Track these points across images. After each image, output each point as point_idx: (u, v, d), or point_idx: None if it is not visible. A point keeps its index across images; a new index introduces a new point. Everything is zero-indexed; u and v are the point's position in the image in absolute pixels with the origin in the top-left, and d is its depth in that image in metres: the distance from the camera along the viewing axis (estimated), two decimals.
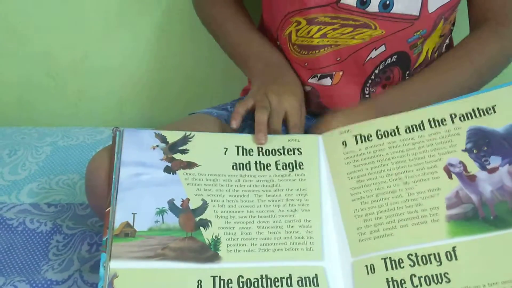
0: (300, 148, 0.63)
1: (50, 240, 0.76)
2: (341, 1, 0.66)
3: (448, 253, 0.52)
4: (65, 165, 0.88)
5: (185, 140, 0.62)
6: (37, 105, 1.00)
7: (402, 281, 0.51)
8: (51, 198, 0.83)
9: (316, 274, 0.54)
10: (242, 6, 0.80)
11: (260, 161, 0.61)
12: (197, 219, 0.57)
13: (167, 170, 0.60)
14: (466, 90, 0.66)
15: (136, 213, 0.56)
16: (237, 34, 0.76)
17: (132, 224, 0.55)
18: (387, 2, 0.66)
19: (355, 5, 0.66)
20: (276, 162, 0.61)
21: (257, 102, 0.65)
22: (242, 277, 0.53)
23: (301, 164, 0.61)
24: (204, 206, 0.57)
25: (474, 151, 0.57)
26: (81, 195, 0.82)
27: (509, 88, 0.59)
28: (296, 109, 0.67)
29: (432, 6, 0.68)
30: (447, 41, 0.77)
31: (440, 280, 0.51)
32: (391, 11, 0.67)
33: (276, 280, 0.53)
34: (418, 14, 0.67)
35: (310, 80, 0.73)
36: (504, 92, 0.59)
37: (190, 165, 0.60)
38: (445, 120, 0.60)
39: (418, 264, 0.52)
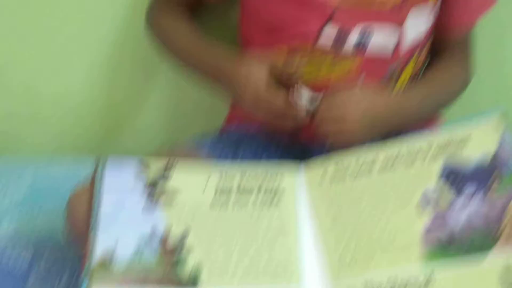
0: (281, 179, 0.64)
1: (29, 273, 0.76)
2: (319, 39, 0.69)
3: (426, 279, 0.53)
4: (46, 197, 0.88)
5: (167, 168, 0.63)
6: (19, 137, 1.00)
7: None
8: (31, 229, 0.82)
9: None
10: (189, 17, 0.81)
11: (242, 188, 0.62)
12: (178, 247, 0.57)
13: (149, 198, 0.60)
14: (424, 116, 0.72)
15: (117, 243, 0.56)
16: (190, 43, 0.77)
17: (112, 254, 0.56)
18: (363, 37, 0.69)
19: (331, 44, 0.69)
20: (257, 190, 0.62)
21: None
22: None
23: (282, 193, 0.63)
24: (184, 235, 0.58)
25: (449, 181, 0.59)
26: (62, 226, 0.82)
27: (483, 120, 0.61)
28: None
29: (406, 43, 0.71)
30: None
31: None
32: (367, 48, 0.69)
33: None
34: (393, 49, 0.70)
35: None
36: (479, 124, 0.61)
37: (172, 193, 0.61)
38: (421, 151, 0.62)
39: None
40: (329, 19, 0.68)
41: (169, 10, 0.78)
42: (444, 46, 0.77)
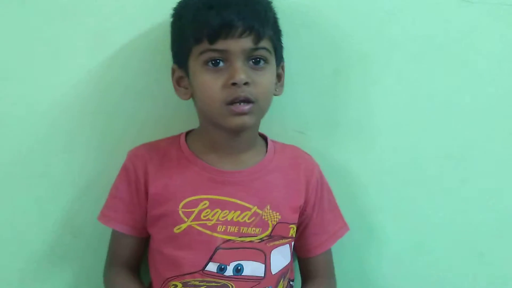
0: None
1: None
2: (205, 268, 0.91)
3: None
4: None
5: None
6: None
7: None
8: None
9: None
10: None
11: None
12: None
13: None
14: None
15: None
16: None
17: None
18: (238, 268, 0.92)
19: (215, 271, 0.91)
20: None
21: None
22: None
23: None
24: None
25: None
26: None
27: None
28: None
29: (274, 269, 0.94)
30: None
31: None
32: (242, 274, 0.92)
33: None
34: (263, 275, 0.93)
35: None
36: None
37: None
38: None
39: None
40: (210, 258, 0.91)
41: (118, 270, 0.98)
42: (311, 274, 1.01)
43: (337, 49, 1.04)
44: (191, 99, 0.95)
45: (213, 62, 0.87)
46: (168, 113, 1.04)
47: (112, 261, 1.00)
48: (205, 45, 0.87)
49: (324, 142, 1.07)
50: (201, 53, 0.87)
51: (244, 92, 0.87)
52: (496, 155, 1.06)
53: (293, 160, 0.99)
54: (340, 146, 1.07)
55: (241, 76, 0.86)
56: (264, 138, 1.01)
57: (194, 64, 0.89)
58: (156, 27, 0.98)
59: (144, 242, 1.00)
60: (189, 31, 0.88)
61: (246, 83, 0.86)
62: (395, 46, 1.03)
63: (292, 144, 1.03)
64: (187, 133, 0.99)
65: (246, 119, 0.89)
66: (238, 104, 0.87)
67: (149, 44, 1.01)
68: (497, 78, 1.04)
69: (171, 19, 0.94)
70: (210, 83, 0.87)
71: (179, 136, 0.99)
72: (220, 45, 0.86)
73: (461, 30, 1.03)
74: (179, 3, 0.94)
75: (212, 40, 0.86)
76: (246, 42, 0.87)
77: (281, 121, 1.06)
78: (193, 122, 0.99)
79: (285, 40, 0.97)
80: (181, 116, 1.03)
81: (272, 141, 1.01)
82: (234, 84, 0.86)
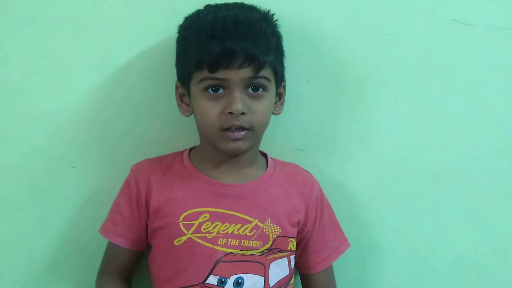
0: None
1: None
2: (206, 281, 0.92)
3: None
4: None
5: None
6: None
7: None
8: None
9: None
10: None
11: None
12: None
13: None
14: None
15: None
16: None
17: None
18: (239, 281, 0.92)
19: (216, 284, 0.92)
20: None
21: None
22: None
23: None
24: None
25: None
26: None
27: None
28: None
29: (272, 282, 0.94)
30: None
31: None
32: (243, 287, 0.92)
33: None
34: (263, 287, 0.93)
35: None
36: None
37: None
38: None
39: None
40: (211, 271, 0.91)
41: (111, 279, 0.99)
42: None
43: (338, 69, 1.06)
44: (192, 116, 0.98)
45: (212, 88, 0.90)
46: (173, 130, 1.06)
47: (105, 270, 1.01)
48: (205, 73, 0.89)
49: (324, 159, 1.08)
50: (201, 80, 0.90)
51: (240, 121, 0.89)
52: (495, 172, 1.07)
53: (293, 177, 1.01)
54: (340, 164, 1.08)
55: (238, 106, 0.88)
56: (264, 155, 1.03)
57: (195, 88, 0.91)
58: (160, 45, 1.01)
59: (140, 255, 1.01)
60: (191, 56, 0.90)
61: (242, 113, 0.89)
62: (394, 67, 1.06)
63: (291, 162, 1.05)
64: (191, 150, 1.01)
65: (241, 144, 0.91)
66: (234, 130, 0.90)
67: (154, 62, 1.03)
68: (492, 97, 1.06)
69: (177, 34, 0.96)
70: (208, 110, 0.90)
71: (182, 152, 1.01)
72: (221, 74, 0.88)
73: (457, 51, 1.05)
74: (185, 21, 0.95)
75: (212, 70, 0.88)
76: (246, 72, 0.89)
77: (283, 139, 1.08)
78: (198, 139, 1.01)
79: (288, 60, 1.00)
80: (185, 133, 1.05)
81: (272, 158, 1.03)
82: (230, 113, 0.88)
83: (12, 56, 1.03)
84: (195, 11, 0.95)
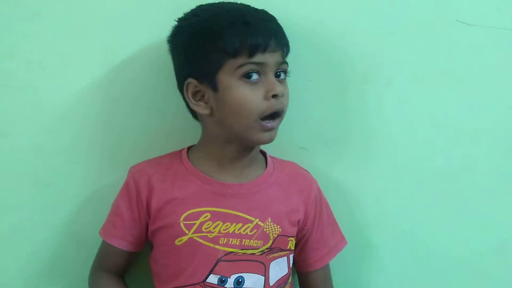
0: None
1: None
2: (206, 280, 0.92)
3: None
4: None
5: None
6: None
7: None
8: None
9: None
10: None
11: None
12: None
13: None
14: None
15: None
16: None
17: None
18: (239, 280, 0.93)
19: (216, 283, 0.92)
20: None
21: None
22: None
23: None
24: None
25: None
26: None
27: None
28: None
29: (272, 281, 0.95)
30: None
31: None
32: (243, 286, 0.93)
33: None
34: (263, 287, 0.94)
35: None
36: None
37: None
38: None
39: None
40: (211, 270, 0.92)
41: (104, 275, 1.00)
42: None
43: (342, 68, 1.06)
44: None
45: (246, 75, 0.90)
46: (175, 128, 1.07)
47: (99, 266, 1.02)
48: (244, 58, 0.88)
49: (326, 158, 1.09)
50: (239, 66, 0.89)
51: (281, 104, 0.91)
52: (496, 174, 1.08)
53: (292, 176, 1.01)
54: (342, 162, 1.09)
55: (281, 88, 0.90)
56: (263, 153, 1.03)
57: (228, 77, 0.89)
58: (165, 42, 1.01)
59: (136, 255, 1.02)
60: (224, 45, 0.88)
61: (282, 96, 0.91)
62: (397, 66, 1.05)
63: (290, 161, 1.05)
64: (189, 149, 1.01)
65: (273, 134, 0.93)
66: (269, 120, 0.91)
67: (157, 59, 1.03)
68: (496, 98, 1.06)
69: (185, 35, 0.93)
70: (250, 96, 0.89)
71: (180, 151, 1.01)
72: (259, 58, 0.89)
73: (461, 51, 1.05)
74: (193, 17, 0.93)
75: (252, 54, 0.88)
76: (278, 57, 0.91)
77: (285, 137, 1.07)
78: (198, 138, 1.01)
79: (292, 58, 0.99)
80: (188, 130, 1.05)
81: (271, 156, 1.03)
82: (274, 96, 0.90)
83: (16, 51, 1.02)
84: (192, 9, 0.95)
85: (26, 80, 1.04)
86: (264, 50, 0.89)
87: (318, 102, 1.07)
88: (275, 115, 0.91)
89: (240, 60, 0.88)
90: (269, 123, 0.91)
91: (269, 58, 0.90)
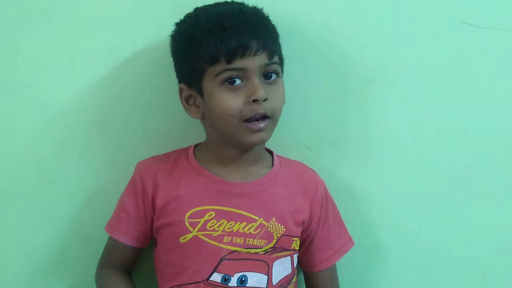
0: None
1: None
2: (209, 279, 0.93)
3: None
4: None
5: None
6: None
7: None
8: None
9: None
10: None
11: None
12: None
13: None
14: None
15: None
16: None
17: None
18: (243, 279, 0.93)
19: (219, 281, 0.93)
20: None
21: None
22: None
23: None
24: None
25: None
26: None
27: None
28: None
29: (275, 280, 0.95)
30: None
31: None
32: (246, 285, 0.93)
33: None
34: (266, 286, 0.94)
35: None
36: None
37: None
38: None
39: None
40: (215, 269, 0.93)
41: (111, 271, 1.00)
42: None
43: (346, 68, 1.06)
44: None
45: (229, 80, 0.89)
46: (178, 125, 1.07)
47: (106, 263, 1.02)
48: (222, 65, 0.88)
49: (330, 158, 1.08)
50: (219, 73, 0.89)
51: (263, 108, 0.90)
52: (501, 176, 1.07)
53: (298, 175, 1.01)
54: (347, 163, 1.09)
55: (261, 93, 0.88)
56: (270, 152, 1.03)
57: (210, 84, 0.90)
58: (167, 41, 1.01)
59: (141, 251, 1.02)
60: (203, 53, 0.89)
61: (265, 99, 0.89)
62: (402, 67, 1.05)
63: (297, 160, 1.05)
64: (195, 146, 1.02)
65: (263, 135, 0.92)
66: (255, 122, 0.90)
67: (160, 57, 1.03)
68: (500, 100, 1.06)
69: (173, 41, 0.96)
70: (229, 101, 0.89)
71: (187, 149, 1.01)
72: (238, 63, 0.88)
73: (466, 53, 1.05)
74: (183, 24, 0.95)
75: (229, 60, 0.88)
76: (261, 59, 0.89)
77: (289, 137, 1.08)
78: (203, 135, 1.02)
79: (297, 59, 1.00)
80: (191, 129, 1.05)
81: (278, 156, 1.03)
82: (255, 101, 0.89)
83: (21, 50, 1.03)
84: (187, 14, 0.96)
85: (31, 78, 1.04)
86: (243, 55, 0.88)
87: (323, 102, 1.07)
88: (263, 117, 0.90)
89: (219, 67, 0.89)
90: (256, 125, 0.90)
91: (250, 63, 0.88)
